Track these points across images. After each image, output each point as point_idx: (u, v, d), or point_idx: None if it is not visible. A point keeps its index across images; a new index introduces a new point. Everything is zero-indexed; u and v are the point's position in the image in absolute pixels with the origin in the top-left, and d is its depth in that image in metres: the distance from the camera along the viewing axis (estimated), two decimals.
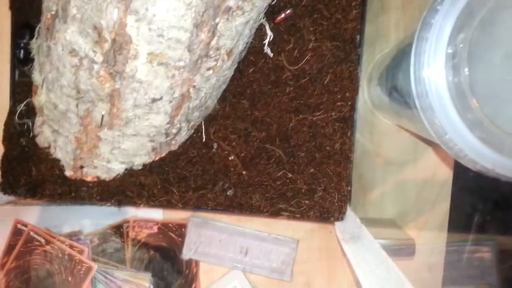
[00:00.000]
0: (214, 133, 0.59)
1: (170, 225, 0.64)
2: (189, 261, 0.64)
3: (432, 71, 0.34)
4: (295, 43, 0.57)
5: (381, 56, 0.59)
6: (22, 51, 0.59)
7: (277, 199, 0.58)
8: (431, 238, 0.62)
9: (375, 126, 0.62)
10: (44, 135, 0.59)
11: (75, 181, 0.60)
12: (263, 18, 0.54)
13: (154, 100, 0.50)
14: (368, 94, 0.60)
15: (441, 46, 0.33)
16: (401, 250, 0.58)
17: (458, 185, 0.61)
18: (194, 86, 0.51)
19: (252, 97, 0.59)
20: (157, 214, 0.65)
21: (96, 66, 0.47)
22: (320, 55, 0.57)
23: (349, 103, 0.56)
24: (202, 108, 0.57)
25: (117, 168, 0.59)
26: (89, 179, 0.60)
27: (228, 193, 0.58)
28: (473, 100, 0.34)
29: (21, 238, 0.59)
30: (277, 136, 0.58)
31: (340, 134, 0.56)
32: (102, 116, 0.52)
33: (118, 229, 0.64)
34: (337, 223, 0.57)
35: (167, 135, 0.56)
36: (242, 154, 0.59)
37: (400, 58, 0.45)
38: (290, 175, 0.57)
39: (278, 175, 0.58)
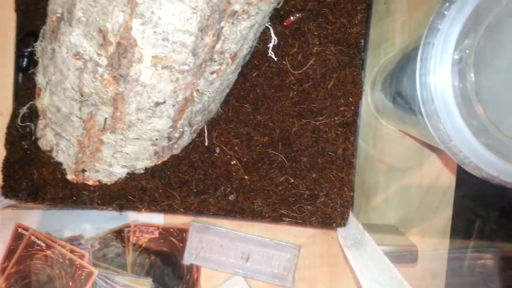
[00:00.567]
0: (216, 137, 0.59)
1: (171, 230, 0.63)
2: (190, 267, 0.63)
3: (438, 77, 0.34)
4: (300, 47, 0.57)
5: (385, 60, 0.59)
6: (25, 60, 0.60)
7: (279, 204, 0.57)
8: (434, 245, 0.62)
9: (378, 132, 0.62)
10: (46, 138, 0.59)
11: (76, 185, 0.60)
12: (268, 22, 0.54)
13: (157, 104, 0.50)
14: (372, 99, 0.60)
15: (447, 51, 0.33)
16: (404, 257, 0.58)
17: (461, 191, 0.61)
18: (197, 90, 0.51)
19: (255, 101, 0.59)
20: (158, 218, 0.64)
21: (100, 69, 0.47)
22: (324, 60, 0.57)
23: (352, 108, 0.56)
24: (205, 112, 0.57)
25: (119, 172, 0.59)
26: (90, 183, 0.59)
27: (230, 198, 0.58)
28: (479, 107, 0.34)
29: (22, 243, 0.59)
30: (280, 140, 0.58)
31: (343, 139, 0.56)
32: (105, 119, 0.52)
33: (119, 234, 0.64)
34: (339, 229, 0.56)
35: (169, 139, 0.56)
36: (245, 159, 0.59)
37: (405, 63, 0.45)
38: (292, 180, 0.57)
39: (280, 180, 0.58)
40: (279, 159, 0.58)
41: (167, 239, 0.63)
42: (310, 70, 0.57)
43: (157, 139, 0.55)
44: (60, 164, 0.59)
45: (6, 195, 0.59)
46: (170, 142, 0.57)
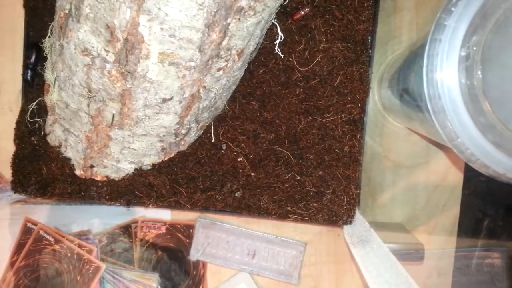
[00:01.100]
0: (223, 134, 0.59)
1: (178, 226, 0.64)
2: (197, 262, 0.63)
3: (445, 74, 0.34)
4: (306, 44, 0.57)
5: (392, 57, 0.59)
6: (29, 72, 0.60)
7: (285, 201, 0.57)
8: (441, 243, 0.62)
9: (385, 129, 0.61)
10: (55, 134, 0.60)
11: (85, 180, 0.60)
12: (275, 18, 0.54)
13: (164, 100, 0.50)
14: (379, 97, 0.60)
15: (454, 48, 0.33)
16: (410, 255, 0.57)
17: (468, 189, 0.60)
18: (204, 87, 0.51)
19: (262, 98, 0.59)
20: (165, 214, 0.65)
21: (108, 66, 0.47)
22: (331, 57, 0.56)
23: (359, 105, 0.56)
24: (212, 109, 0.57)
25: (127, 168, 0.59)
26: (98, 178, 0.60)
27: (236, 194, 0.58)
28: (486, 104, 0.34)
29: (31, 237, 0.59)
30: (286, 137, 0.58)
31: (350, 137, 0.56)
32: (113, 115, 0.52)
33: (127, 229, 0.64)
34: (346, 227, 0.56)
35: (176, 135, 0.56)
36: (251, 156, 0.59)
37: (412, 60, 0.45)
38: (298, 177, 0.57)
39: (287, 177, 0.58)
40: (286, 156, 0.58)
41: (174, 235, 0.64)
42: (317, 67, 0.57)
43: (164, 136, 0.55)
44: (69, 159, 0.60)
45: (15, 190, 0.60)
46: (177, 139, 0.57)
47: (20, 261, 0.59)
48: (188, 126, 0.56)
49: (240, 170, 0.59)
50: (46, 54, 0.57)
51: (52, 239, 0.60)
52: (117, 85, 0.48)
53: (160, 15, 0.42)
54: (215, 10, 0.42)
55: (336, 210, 0.56)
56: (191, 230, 0.63)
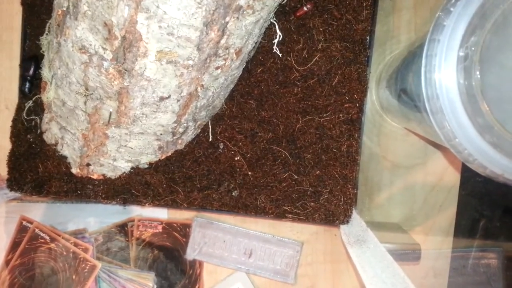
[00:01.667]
0: (220, 133, 0.59)
1: (175, 225, 0.64)
2: (193, 262, 0.63)
3: (443, 74, 0.34)
4: (305, 43, 0.57)
5: (391, 57, 0.59)
6: (27, 84, 0.60)
7: (283, 201, 0.57)
8: (437, 243, 0.62)
9: (383, 129, 0.61)
10: (51, 131, 0.59)
11: (81, 178, 0.60)
12: (273, 17, 0.54)
13: (162, 99, 0.50)
14: (377, 96, 0.60)
15: (453, 48, 0.33)
16: (407, 255, 0.58)
17: (465, 189, 0.60)
18: (202, 85, 0.51)
19: (260, 97, 0.59)
20: (162, 213, 0.64)
21: (105, 63, 0.47)
22: (329, 56, 0.56)
23: (357, 105, 0.56)
24: (209, 108, 0.57)
25: (123, 166, 0.59)
26: (95, 176, 0.60)
27: (233, 193, 0.58)
28: (484, 104, 0.34)
29: (26, 235, 0.59)
30: (284, 137, 0.58)
31: (347, 136, 0.56)
32: (110, 113, 0.52)
33: (123, 228, 0.64)
34: (342, 226, 0.56)
35: (173, 134, 0.56)
36: (248, 155, 0.59)
37: (410, 60, 0.45)
38: (296, 176, 0.57)
39: (284, 176, 0.58)
40: (283, 155, 0.58)
41: (170, 234, 0.63)
42: (315, 67, 0.57)
43: (161, 134, 0.55)
44: (65, 157, 0.60)
45: (11, 188, 0.60)
46: (175, 137, 0.57)
47: (15, 260, 0.59)
48: (185, 124, 0.56)
49: (238, 169, 0.59)
50: (43, 52, 0.57)
51: (47, 238, 0.59)
52: (114, 83, 0.48)
53: (159, 13, 0.42)
54: (214, 9, 0.42)
55: (333, 209, 0.56)
56: (187, 229, 0.63)
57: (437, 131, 0.35)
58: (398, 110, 0.53)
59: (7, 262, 0.59)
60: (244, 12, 0.45)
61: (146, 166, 0.59)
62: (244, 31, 0.47)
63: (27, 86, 0.59)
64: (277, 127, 0.58)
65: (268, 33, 0.57)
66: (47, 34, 0.57)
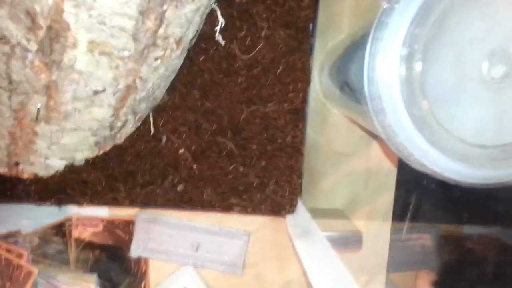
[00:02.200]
0: (163, 125, 0.57)
1: (117, 222, 0.61)
2: (138, 259, 0.61)
3: (385, 73, 0.34)
4: (248, 30, 0.56)
5: (332, 45, 0.59)
6: None
7: (229, 193, 0.57)
8: (377, 227, 0.64)
9: (326, 118, 0.62)
10: None
11: (10, 178, 0.55)
12: (215, 2, 0.52)
13: (96, 92, 0.46)
14: (320, 84, 0.60)
15: (395, 46, 0.33)
16: (349, 242, 0.59)
17: (402, 175, 0.63)
18: (140, 77, 0.48)
19: (203, 87, 0.57)
20: (102, 211, 0.61)
21: (30, 55, 0.42)
22: (273, 44, 0.56)
23: (301, 94, 0.56)
24: (150, 99, 0.54)
25: (57, 164, 0.55)
26: (25, 176, 0.55)
27: (178, 188, 0.57)
28: (424, 103, 0.34)
29: None
30: (229, 128, 0.57)
31: (292, 126, 0.56)
32: (38, 109, 0.47)
33: (60, 228, 0.60)
34: (289, 217, 0.57)
35: (111, 128, 0.53)
36: (193, 147, 0.57)
37: (353, 51, 0.45)
38: (242, 168, 0.57)
39: (230, 168, 0.57)
40: (228, 147, 0.57)
41: (112, 232, 0.60)
42: (259, 55, 0.56)
43: (97, 129, 0.52)
44: None
45: None
46: (113, 132, 0.54)
47: None
48: (124, 118, 0.53)
49: (182, 163, 0.57)
50: None
51: None
52: (41, 77, 0.44)
53: (88, 2, 0.38)
54: None
55: (279, 200, 0.57)
56: (131, 226, 0.61)
57: (379, 130, 0.36)
58: (340, 100, 0.53)
59: None
60: (183, 0, 0.42)
61: (82, 163, 0.56)
62: (184, 19, 0.45)
63: None
64: (221, 118, 0.57)
65: (210, 19, 0.54)
66: None
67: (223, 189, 0.57)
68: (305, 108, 0.56)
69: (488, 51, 0.33)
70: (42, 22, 0.40)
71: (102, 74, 0.45)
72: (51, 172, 0.55)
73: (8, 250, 0.54)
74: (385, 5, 0.31)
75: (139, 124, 0.57)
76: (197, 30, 0.51)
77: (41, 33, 0.41)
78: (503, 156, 0.35)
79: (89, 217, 0.61)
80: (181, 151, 0.57)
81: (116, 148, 0.56)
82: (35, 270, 0.53)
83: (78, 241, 0.60)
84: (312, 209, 0.59)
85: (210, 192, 0.56)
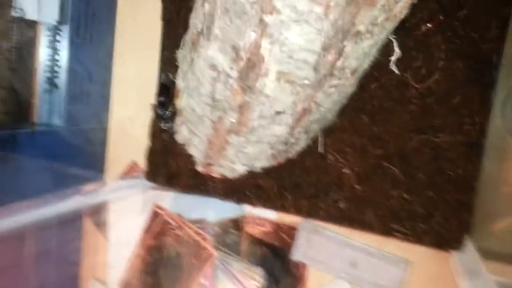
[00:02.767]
0: (330, 144, 0.61)
1: (282, 226, 0.68)
2: (298, 263, 0.67)
3: None
4: (424, 60, 0.56)
5: None
6: (161, 109, 0.67)
7: (390, 218, 0.57)
8: None
9: (508, 155, 0.57)
10: (182, 133, 0.68)
11: (204, 176, 0.68)
12: (392, 35, 0.54)
13: (277, 113, 0.54)
14: (503, 120, 0.56)
15: None
16: None
17: None
18: (315, 102, 0.53)
19: (372, 112, 0.59)
20: (271, 214, 0.69)
21: (231, 80, 0.52)
22: (450, 75, 0.54)
23: (478, 128, 0.53)
24: (322, 121, 0.59)
25: (240, 169, 0.65)
26: (215, 175, 0.67)
27: (340, 205, 0.60)
28: None
29: (158, 220, 0.69)
30: (395, 154, 0.58)
31: (465, 160, 0.54)
32: (231, 123, 0.57)
33: (236, 223, 0.70)
34: (454, 253, 0.54)
35: (286, 143, 0.60)
36: (357, 168, 0.60)
37: None
38: (405, 195, 0.57)
39: (393, 194, 0.57)
40: (393, 172, 0.58)
41: (278, 234, 0.68)
42: (434, 85, 0.55)
43: (275, 143, 0.59)
44: (192, 156, 0.68)
45: (148, 179, 0.70)
46: (286, 147, 0.61)
47: (148, 240, 0.70)
48: (297, 136, 0.59)
49: (345, 182, 0.60)
50: (178, 64, 0.65)
51: (175, 224, 0.69)
52: (237, 98, 0.54)
53: (281, 39, 0.45)
54: (332, 34, 0.44)
55: (444, 234, 0.55)
56: (294, 232, 0.67)
57: None
58: None
59: (141, 241, 0.70)
60: (363, 37, 0.46)
61: (259, 170, 0.64)
62: (361, 53, 0.48)
63: (161, 110, 0.67)
64: (388, 143, 0.58)
65: (385, 49, 0.56)
66: (181, 49, 0.65)
67: (384, 213, 0.58)
68: (481, 143, 0.53)
69: None
70: (243, 54, 0.49)
71: (285, 98, 0.52)
72: (235, 175, 0.65)
73: (197, 233, 0.67)
74: None
75: (310, 142, 0.63)
76: (371, 61, 0.54)
77: (242, 64, 0.50)
78: None
79: (260, 217, 0.69)
80: (345, 170, 0.60)
81: (288, 161, 0.63)
82: (216, 253, 0.64)
83: (250, 236, 0.69)
84: (481, 249, 0.55)
85: (371, 214, 0.58)
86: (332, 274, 0.65)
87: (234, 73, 0.51)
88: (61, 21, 0.65)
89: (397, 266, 0.61)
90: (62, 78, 0.66)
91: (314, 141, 0.62)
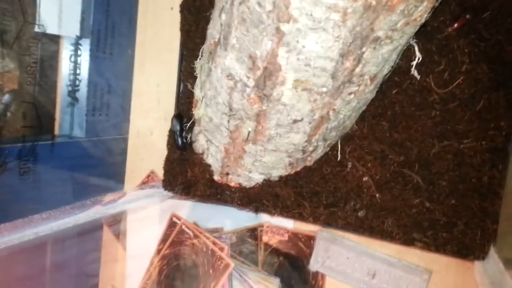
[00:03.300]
0: (349, 152, 0.60)
1: (300, 235, 0.67)
2: (316, 273, 0.66)
3: None
4: (446, 64, 0.54)
5: None
6: (179, 139, 0.68)
7: (411, 227, 0.56)
8: None
9: None
10: (199, 142, 0.68)
11: (221, 185, 0.67)
12: (413, 38, 0.52)
13: (295, 121, 0.53)
14: None
15: None
16: None
17: None
18: (334, 109, 0.53)
19: (393, 118, 0.58)
20: (288, 223, 0.68)
21: (248, 89, 0.52)
22: (474, 79, 0.53)
23: (504, 133, 0.51)
24: (340, 128, 0.58)
25: (257, 178, 0.64)
26: (232, 184, 0.66)
27: (359, 214, 0.59)
28: None
29: (175, 230, 0.69)
30: (417, 161, 0.56)
31: (490, 166, 0.52)
32: (249, 132, 0.57)
33: (253, 232, 0.70)
34: (477, 263, 0.53)
35: (303, 152, 0.59)
36: (377, 176, 0.58)
37: None
38: (428, 204, 0.55)
39: (414, 202, 0.56)
40: (415, 180, 0.56)
41: (295, 243, 0.67)
42: (457, 90, 0.54)
43: (292, 152, 0.59)
44: (209, 166, 0.68)
45: (165, 188, 0.70)
46: (304, 155, 0.60)
47: (165, 249, 0.69)
48: (315, 144, 0.58)
49: (365, 190, 0.59)
50: (197, 74, 0.65)
51: (191, 234, 0.68)
52: (254, 107, 0.53)
53: (298, 47, 0.45)
54: (351, 41, 0.44)
55: (468, 243, 0.53)
56: (312, 241, 0.66)
57: None
58: None
59: (158, 250, 0.70)
60: (382, 42, 0.45)
61: (277, 179, 0.64)
62: (381, 59, 0.47)
63: (179, 141, 0.68)
64: (409, 150, 0.57)
65: (406, 53, 0.55)
66: (200, 59, 0.65)
67: (405, 222, 0.56)
68: (507, 148, 0.51)
69: None
70: (260, 64, 0.48)
71: (302, 106, 0.51)
72: (252, 183, 0.65)
73: (214, 243, 0.66)
74: None
75: (328, 149, 0.62)
76: (392, 66, 0.53)
77: (258, 73, 0.49)
78: None
79: (277, 226, 0.69)
80: (365, 178, 0.59)
81: (306, 169, 0.62)
82: (232, 264, 0.64)
83: (267, 245, 0.68)
84: (508, 259, 0.53)
85: (391, 223, 0.57)
86: (351, 285, 0.64)
87: (251, 82, 0.51)
88: (81, 35, 0.66)
89: (418, 277, 0.60)
90: (83, 91, 0.67)
91: (333, 148, 0.61)
